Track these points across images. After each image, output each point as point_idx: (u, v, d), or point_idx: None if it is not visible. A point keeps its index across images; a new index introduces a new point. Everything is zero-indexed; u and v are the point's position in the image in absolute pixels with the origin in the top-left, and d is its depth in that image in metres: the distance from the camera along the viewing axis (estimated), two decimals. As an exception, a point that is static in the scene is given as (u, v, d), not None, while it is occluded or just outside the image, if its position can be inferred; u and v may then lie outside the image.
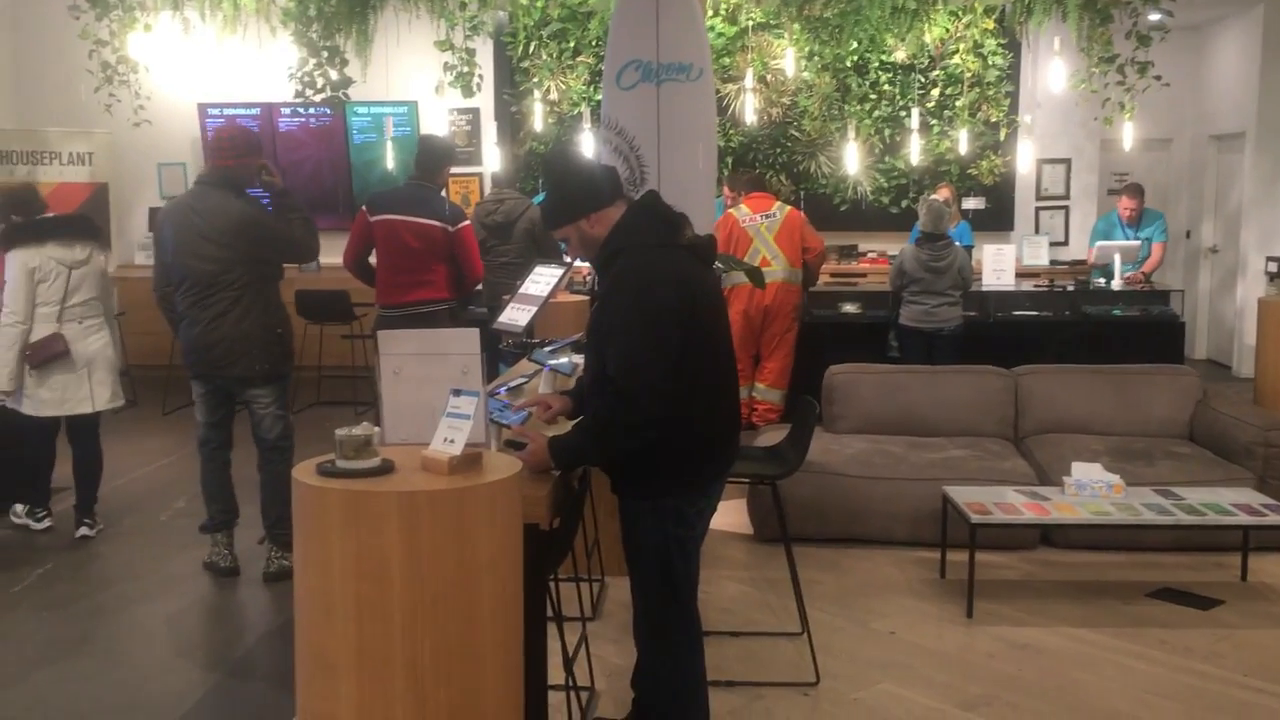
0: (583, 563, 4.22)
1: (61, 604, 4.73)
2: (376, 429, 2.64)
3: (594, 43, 9.23)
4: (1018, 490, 4.93)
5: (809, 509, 5.21)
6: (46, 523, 5.68)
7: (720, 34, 9.33)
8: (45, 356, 5.38)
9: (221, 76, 9.48)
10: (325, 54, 8.17)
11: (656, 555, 3.13)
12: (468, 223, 6.05)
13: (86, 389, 5.50)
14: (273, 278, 5.05)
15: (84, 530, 5.59)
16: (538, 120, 9.36)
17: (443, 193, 6.08)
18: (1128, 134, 7.91)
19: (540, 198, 9.31)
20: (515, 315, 5.27)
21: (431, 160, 5.98)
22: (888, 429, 5.86)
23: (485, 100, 9.42)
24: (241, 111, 9.83)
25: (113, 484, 6.48)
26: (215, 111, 9.84)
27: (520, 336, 5.06)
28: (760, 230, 7.47)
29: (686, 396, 2.97)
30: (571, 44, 9.24)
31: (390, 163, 9.50)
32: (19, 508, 5.69)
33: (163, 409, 8.40)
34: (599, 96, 9.37)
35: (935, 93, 9.71)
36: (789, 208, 7.56)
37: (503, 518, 2.55)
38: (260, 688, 4.10)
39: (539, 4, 8.25)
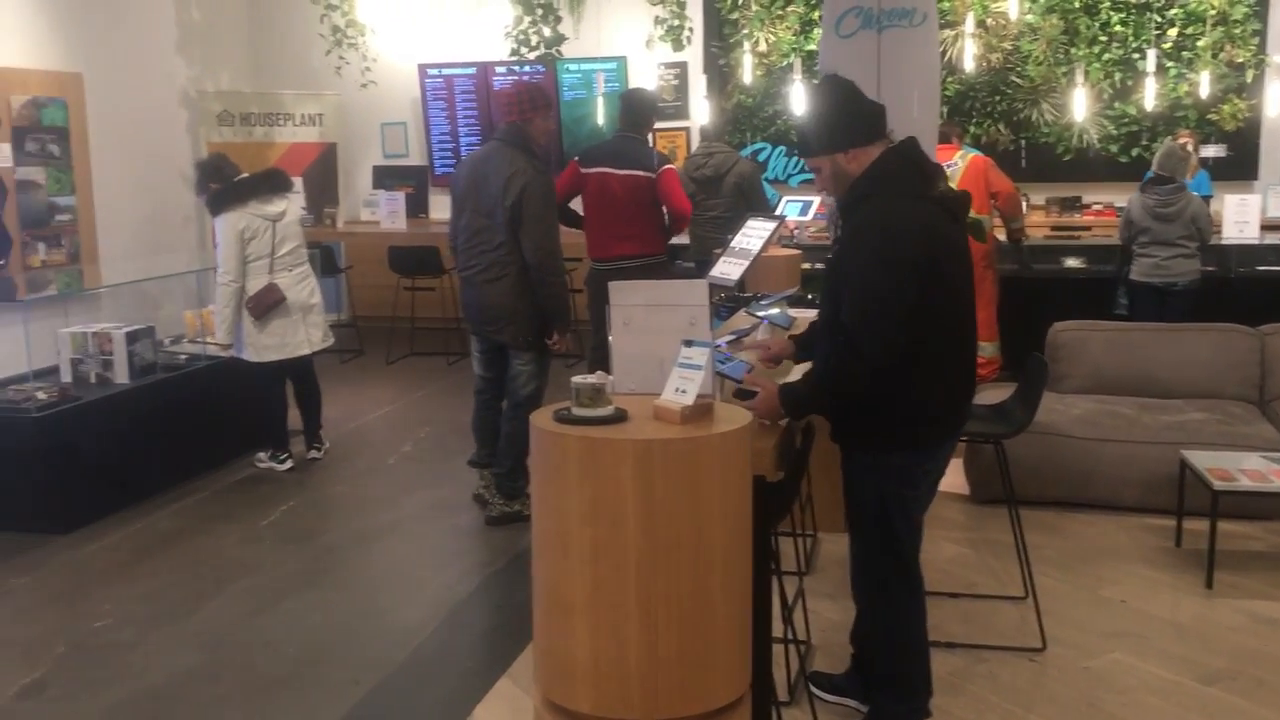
0: (797, 517, 4.21)
1: (304, 538, 5.06)
2: (610, 377, 2.70)
3: (806, -9, 9.05)
4: (1264, 456, 4.62)
5: (1030, 470, 5.03)
6: (289, 463, 6.07)
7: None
8: (265, 306, 5.76)
9: (440, 37, 9.78)
10: (540, 12, 8.33)
11: (878, 513, 3.09)
12: (670, 166, 6.10)
13: (303, 333, 5.92)
14: None
15: (313, 453, 6.17)
16: (746, 73, 9.27)
17: (649, 144, 6.13)
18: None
19: (748, 150, 9.32)
20: (727, 269, 5.26)
21: (639, 113, 6.08)
22: (1118, 389, 5.58)
23: (693, 54, 9.40)
24: (459, 71, 10.13)
25: (345, 428, 6.89)
26: (434, 72, 10.17)
27: (733, 290, 5.06)
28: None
29: (921, 352, 2.89)
30: (783, -7, 9.10)
31: (600, 118, 9.60)
32: (262, 455, 6.09)
33: (386, 359, 8.82)
34: (810, 46, 9.24)
35: (1173, 33, 9.08)
36: (972, 154, 7.22)
37: (733, 468, 2.56)
38: (487, 624, 4.28)
39: (752, -47, 8.14)
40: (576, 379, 2.63)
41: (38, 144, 7.99)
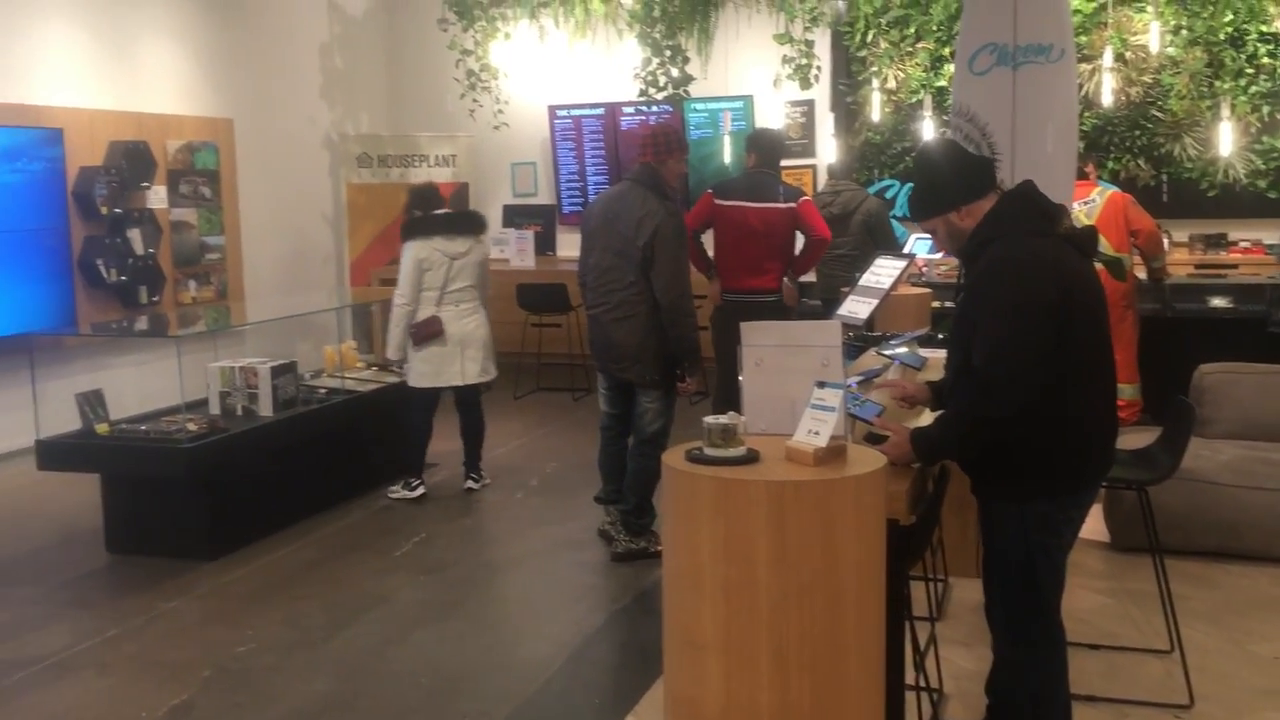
0: (928, 561, 4.12)
1: (434, 570, 5.17)
2: (742, 418, 2.70)
3: (936, 28, 8.97)
4: None
5: (1175, 518, 4.83)
6: (420, 490, 6.20)
7: (1076, 11, 8.81)
8: (424, 335, 6.03)
9: (570, 79, 9.98)
10: (668, 53, 8.45)
11: (1020, 562, 3.00)
12: (807, 197, 6.23)
13: (458, 364, 6.10)
14: None
15: (470, 484, 6.35)
16: (875, 110, 9.21)
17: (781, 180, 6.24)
18: None
19: (875, 188, 9.25)
20: (855, 308, 5.22)
21: (771, 149, 6.24)
22: (1269, 435, 5.33)
23: (820, 91, 9.39)
24: (587, 112, 10.31)
25: (475, 461, 7.02)
26: (563, 113, 10.38)
27: (861, 329, 5.02)
28: (1079, 219, 6.99)
29: (1060, 394, 2.82)
30: (913, 30, 9.02)
31: (726, 157, 9.66)
32: (395, 486, 6.24)
33: (514, 394, 8.97)
34: (940, 83, 9.14)
35: (1324, 64, 8.72)
36: (1110, 190, 7.01)
37: (867, 511, 2.53)
38: (614, 660, 4.30)
39: (881, -9, 8.11)
40: (708, 419, 2.65)
41: (191, 186, 8.40)
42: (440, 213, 6.17)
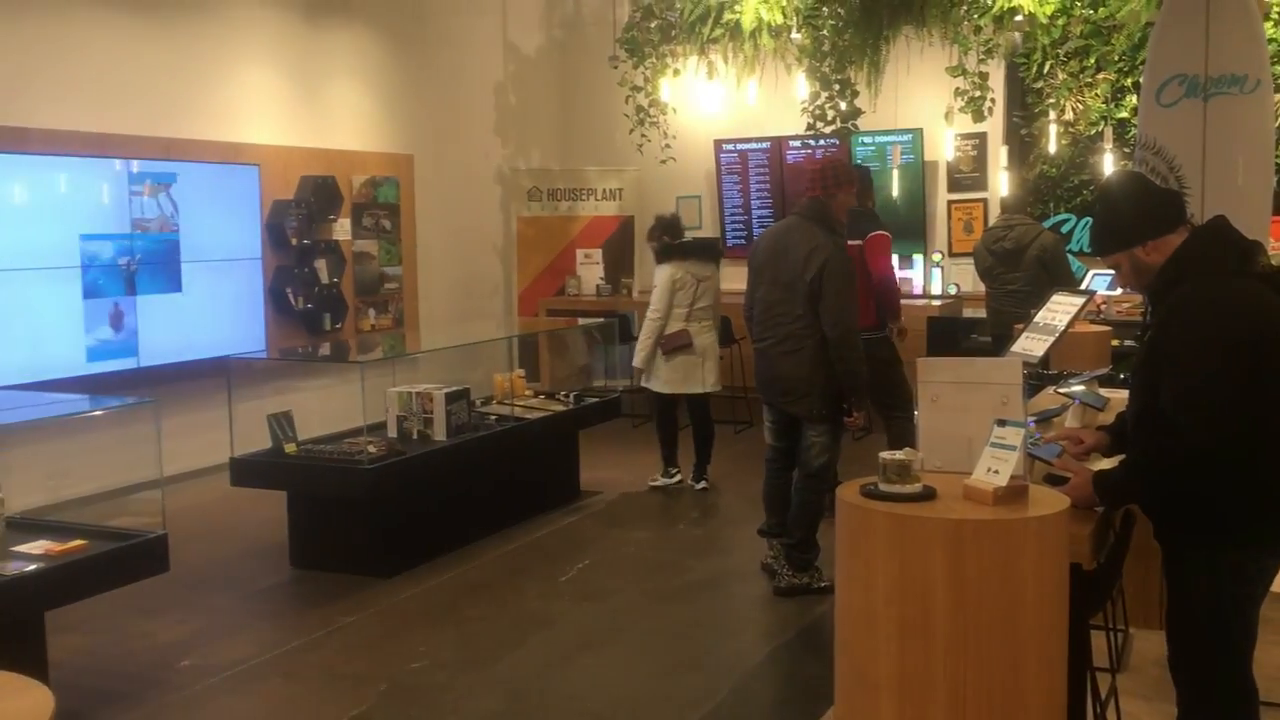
0: (1108, 610, 3.96)
1: (598, 596, 5.24)
2: (919, 454, 2.67)
3: (1118, 58, 8.68)
4: None
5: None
6: (677, 477, 7.09)
7: (1272, 40, 8.40)
8: (674, 346, 6.84)
9: (736, 114, 10.06)
10: (837, 87, 8.42)
11: (1208, 614, 2.86)
12: (876, 234, 6.33)
13: (700, 374, 6.90)
14: None
15: (701, 485, 7.03)
16: (1051, 142, 8.97)
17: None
18: None
19: (1050, 222, 9.00)
20: (1030, 345, 5.09)
21: (865, 185, 6.36)
22: None
23: (993, 124, 9.19)
24: (753, 146, 10.36)
25: (636, 490, 7.12)
26: (729, 147, 10.45)
27: (1036, 368, 4.88)
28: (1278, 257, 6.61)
29: (1254, 439, 2.69)
30: (1093, 61, 8.76)
31: (894, 190, 9.56)
32: (656, 477, 7.12)
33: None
34: (1122, 114, 8.84)
35: None
36: None
37: (1049, 554, 2.47)
38: (777, 695, 4.27)
39: (1059, 22, 7.91)
40: (884, 454, 2.63)
41: (373, 219, 8.80)
42: (691, 240, 7.01)
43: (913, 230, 9.81)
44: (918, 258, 9.83)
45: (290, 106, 8.17)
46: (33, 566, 3.80)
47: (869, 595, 2.49)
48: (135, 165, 6.88)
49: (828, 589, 5.00)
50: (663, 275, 6.83)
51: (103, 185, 6.68)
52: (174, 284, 7.14)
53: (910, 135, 9.66)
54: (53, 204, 6.42)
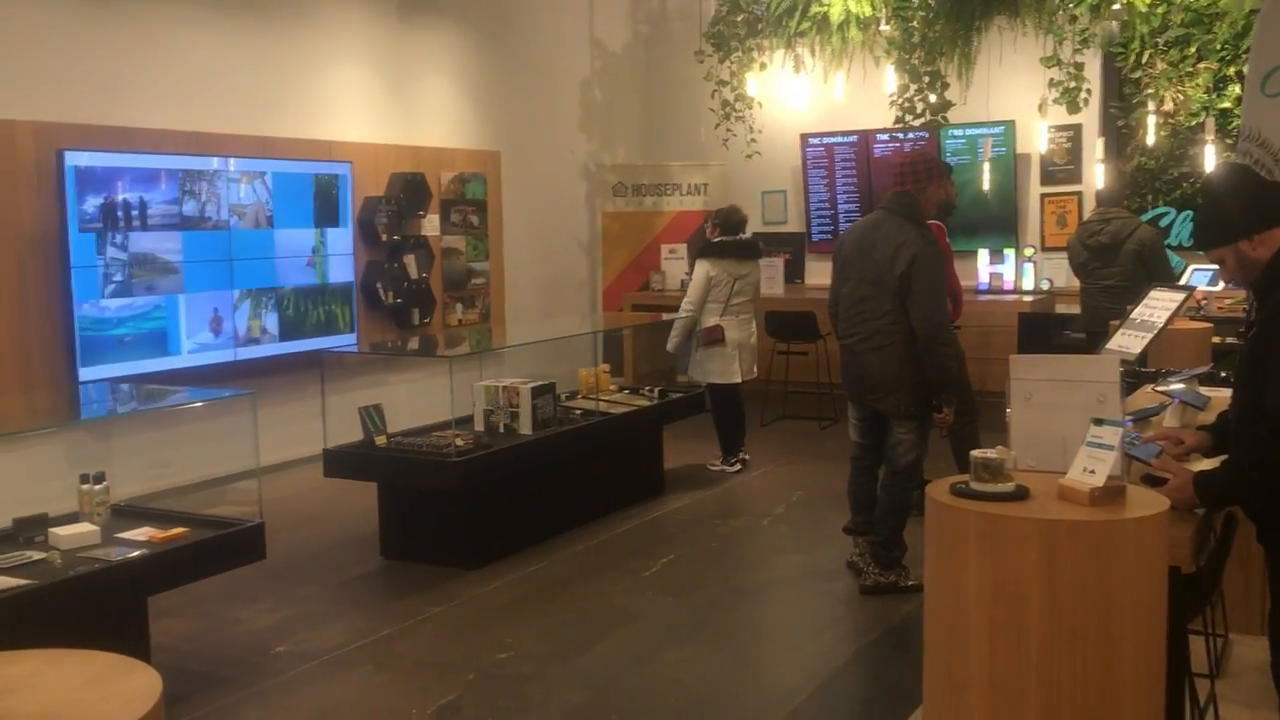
0: (1207, 614, 3.85)
1: (682, 591, 5.24)
2: (1012, 453, 2.63)
3: (1221, 47, 8.42)
4: None
5: None
6: (738, 466, 7.40)
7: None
8: (709, 340, 7.15)
9: (822, 107, 9.97)
10: (926, 79, 8.31)
11: (1315, 620, 2.77)
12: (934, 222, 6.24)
13: (737, 364, 7.22)
14: None
15: (737, 466, 7.42)
16: (1149, 134, 8.74)
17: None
18: None
19: (1148, 215, 8.76)
20: (1127, 342, 4.97)
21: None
22: None
23: (1088, 115, 8.98)
24: (839, 140, 10.26)
25: (720, 486, 7.12)
26: (815, 141, 10.37)
27: (1133, 365, 4.76)
28: None
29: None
30: (1194, 50, 8.51)
31: (986, 183, 9.40)
32: (715, 462, 7.44)
33: (760, 421, 8.99)
34: (1224, 104, 8.57)
35: None
36: None
37: (1147, 556, 2.41)
38: (863, 694, 4.24)
39: (1159, 10, 7.69)
40: (975, 452, 2.59)
41: (461, 215, 8.91)
42: (729, 240, 7.23)
43: (1004, 224, 9.64)
44: (1009, 252, 9.65)
45: (381, 104, 8.31)
46: (136, 552, 3.93)
47: (960, 596, 2.46)
48: (232, 163, 7.06)
49: (915, 588, 4.94)
50: (700, 271, 7.17)
51: (201, 183, 6.87)
52: (269, 279, 7.32)
53: (1002, 128, 9.48)
54: (155, 201, 6.61)
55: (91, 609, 3.71)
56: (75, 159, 6.17)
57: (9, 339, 6.04)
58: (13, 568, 3.74)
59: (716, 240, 7.27)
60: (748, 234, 7.59)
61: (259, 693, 4.16)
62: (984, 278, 9.66)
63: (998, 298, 9.41)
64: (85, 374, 6.24)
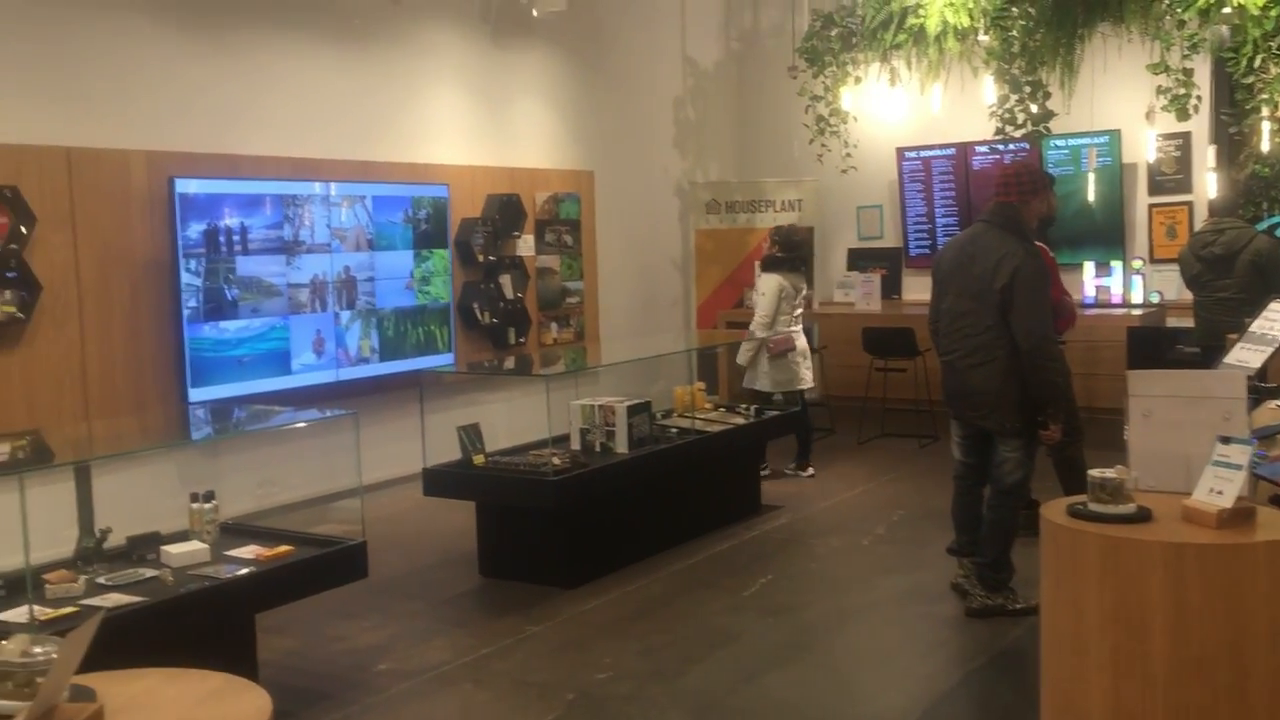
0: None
1: (782, 612, 5.17)
2: (1132, 473, 2.52)
3: (1339, 48, 8.07)
4: None
5: None
6: (810, 471, 7.68)
7: None
8: (782, 349, 7.43)
9: (919, 120, 9.82)
10: (1027, 89, 8.13)
11: None
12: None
13: (803, 372, 7.55)
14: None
15: (809, 473, 7.71)
16: (1264, 140, 8.41)
17: None
18: None
19: (1264, 225, 8.43)
20: (1245, 356, 4.76)
21: None
22: None
23: (1197, 123, 8.69)
24: (937, 153, 10.10)
25: (818, 505, 7.02)
26: (912, 154, 10.22)
27: (1254, 380, 4.56)
28: None
29: None
30: (1309, 52, 8.19)
31: (1090, 194, 9.15)
32: (791, 466, 7.74)
33: (858, 439, 8.86)
34: (1345, 107, 8.20)
35: None
36: None
37: (1281, 581, 2.29)
38: (970, 722, 4.12)
39: (1272, 13, 7.41)
40: (1094, 472, 2.50)
41: (555, 235, 8.97)
42: (789, 255, 7.60)
43: (1110, 236, 9.37)
44: (1115, 265, 9.37)
45: (477, 127, 8.41)
46: (244, 570, 4.01)
47: (1079, 622, 2.37)
48: (333, 187, 7.21)
49: (1024, 611, 4.80)
50: (771, 284, 7.46)
51: (303, 207, 7.02)
52: (369, 300, 7.45)
53: (1107, 137, 9.22)
54: (258, 225, 6.78)
55: (201, 625, 3.79)
56: (184, 186, 6.36)
57: (123, 361, 6.23)
58: (127, 585, 3.84)
59: (781, 255, 7.58)
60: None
61: (362, 710, 4.20)
62: (1090, 291, 9.40)
63: (1105, 311, 9.14)
64: (194, 395, 6.41)
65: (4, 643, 1.99)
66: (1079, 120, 8.95)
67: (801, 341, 7.59)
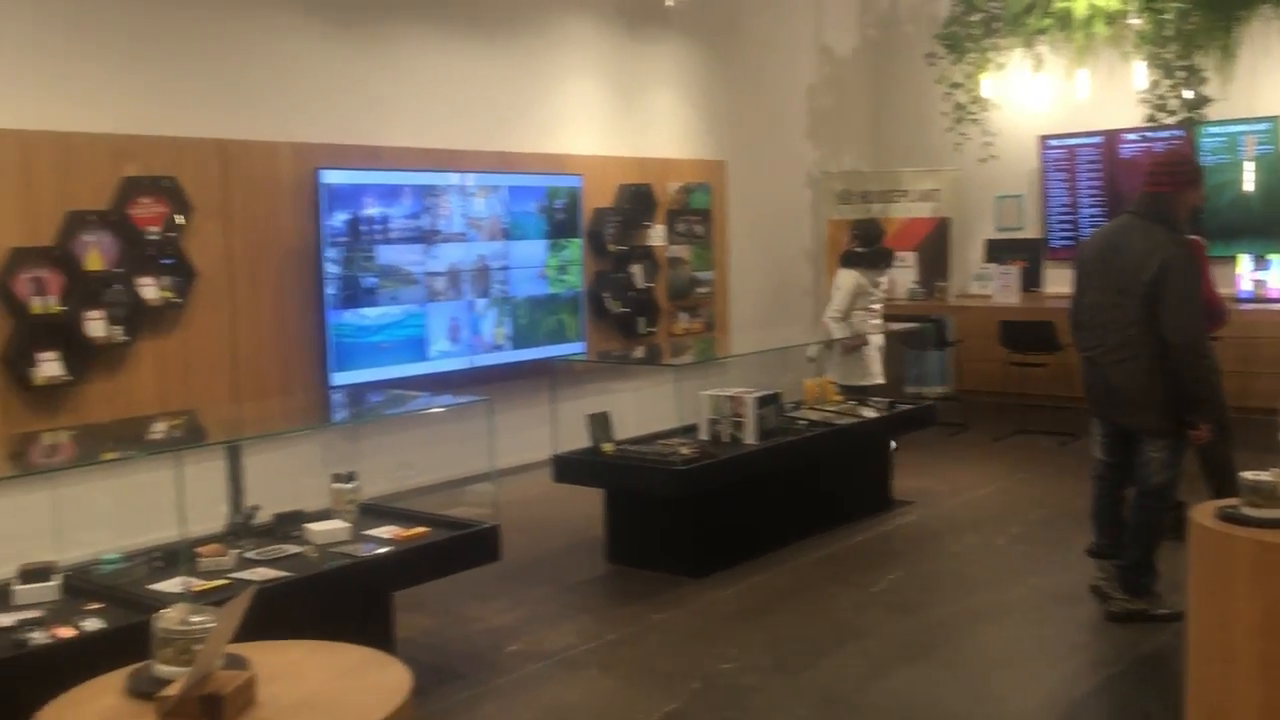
0: None
1: (912, 609, 5.09)
2: (1289, 476, 2.41)
3: None
4: None
5: None
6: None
7: None
8: (855, 344, 7.30)
9: (1063, 107, 9.51)
10: (1182, 74, 7.80)
11: None
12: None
13: (877, 366, 7.42)
14: None
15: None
16: None
17: None
18: None
19: None
20: None
21: None
22: None
23: (1371, 106, 8.22)
24: (1082, 141, 9.76)
25: (951, 502, 6.89)
26: (1055, 143, 9.90)
27: None
28: None
29: None
30: None
31: (1249, 184, 8.73)
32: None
33: (993, 435, 8.65)
34: None
35: None
36: None
37: None
38: (1108, 729, 3.99)
39: None
40: (1245, 475, 2.39)
41: (685, 225, 8.98)
42: (868, 250, 7.45)
43: (1270, 227, 8.91)
44: (1275, 258, 8.92)
45: (611, 117, 8.48)
46: (383, 549, 4.14)
47: (1228, 628, 2.27)
48: (470, 178, 7.36)
49: (1168, 617, 4.62)
50: (848, 280, 7.34)
51: (441, 197, 7.19)
52: (504, 288, 7.59)
53: (1268, 124, 8.77)
54: (398, 215, 6.97)
55: (342, 601, 3.93)
56: (329, 176, 6.58)
57: (270, 345, 6.49)
58: (274, 560, 4.01)
59: (860, 250, 7.45)
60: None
61: (493, 689, 4.30)
62: (1246, 285, 8.97)
63: (1263, 306, 8.71)
64: (336, 379, 6.64)
65: (166, 611, 2.11)
66: (1236, 107, 8.55)
67: (877, 338, 7.49)
